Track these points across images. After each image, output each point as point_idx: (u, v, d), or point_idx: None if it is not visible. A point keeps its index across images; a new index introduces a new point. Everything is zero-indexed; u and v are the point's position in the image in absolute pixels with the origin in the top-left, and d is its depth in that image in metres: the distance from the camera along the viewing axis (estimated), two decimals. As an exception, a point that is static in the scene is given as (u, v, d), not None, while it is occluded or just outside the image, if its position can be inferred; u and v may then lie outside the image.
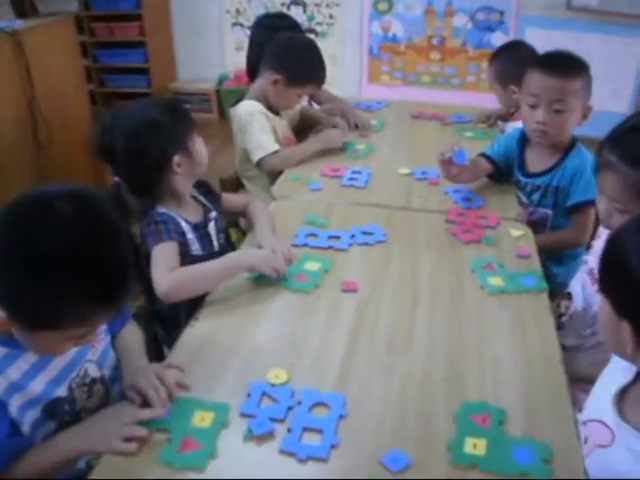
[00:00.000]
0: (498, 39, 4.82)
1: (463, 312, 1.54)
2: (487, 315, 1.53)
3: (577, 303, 1.80)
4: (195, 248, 1.69)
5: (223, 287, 1.59)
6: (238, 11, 5.40)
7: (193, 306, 1.55)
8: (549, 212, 2.14)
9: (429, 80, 5.15)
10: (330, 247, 1.80)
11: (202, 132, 1.75)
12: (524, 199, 2.18)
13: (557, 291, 1.89)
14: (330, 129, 2.53)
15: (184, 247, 1.65)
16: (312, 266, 1.69)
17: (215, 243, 1.77)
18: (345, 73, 5.25)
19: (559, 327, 1.64)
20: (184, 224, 1.67)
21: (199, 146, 1.70)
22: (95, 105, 5.45)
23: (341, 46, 5.22)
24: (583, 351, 1.73)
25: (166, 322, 1.78)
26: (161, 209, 1.66)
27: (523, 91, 2.08)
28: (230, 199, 1.94)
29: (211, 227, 1.76)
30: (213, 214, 1.78)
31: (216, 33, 5.52)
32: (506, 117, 2.91)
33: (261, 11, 5.24)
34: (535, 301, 1.59)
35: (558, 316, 1.81)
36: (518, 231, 1.92)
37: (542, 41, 4.71)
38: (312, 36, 5.20)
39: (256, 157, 2.32)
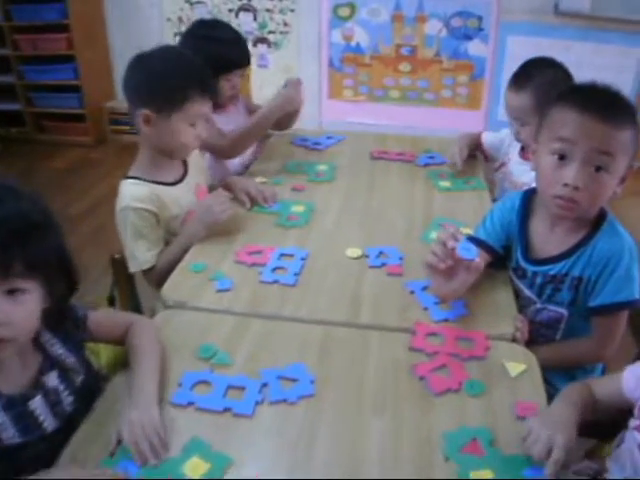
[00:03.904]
0: (476, 48, 4.24)
1: None
2: None
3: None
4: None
5: None
6: (180, 20, 4.75)
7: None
8: (564, 312, 1.52)
9: (398, 95, 4.52)
10: (227, 409, 1.14)
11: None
12: (527, 292, 1.54)
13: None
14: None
15: None
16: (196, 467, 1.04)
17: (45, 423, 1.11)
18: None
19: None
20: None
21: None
22: (24, 127, 4.78)
23: (297, 58, 4.57)
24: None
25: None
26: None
27: (542, 135, 1.45)
28: (103, 323, 1.28)
29: (37, 404, 1.10)
30: (51, 378, 1.13)
31: (157, 45, 4.84)
32: (486, 157, 2.29)
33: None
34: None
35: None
36: (517, 365, 1.28)
37: (526, 51, 4.09)
38: (264, 47, 4.57)
39: (131, 269, 1.74)
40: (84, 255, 3.22)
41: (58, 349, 1.16)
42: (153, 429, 1.07)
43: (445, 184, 2.08)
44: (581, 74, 2.00)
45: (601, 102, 1.37)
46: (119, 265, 1.78)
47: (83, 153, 4.63)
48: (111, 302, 1.91)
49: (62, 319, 1.16)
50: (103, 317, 1.30)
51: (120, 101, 4.95)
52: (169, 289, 1.49)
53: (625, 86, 4.01)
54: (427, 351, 1.30)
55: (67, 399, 1.14)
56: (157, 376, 1.19)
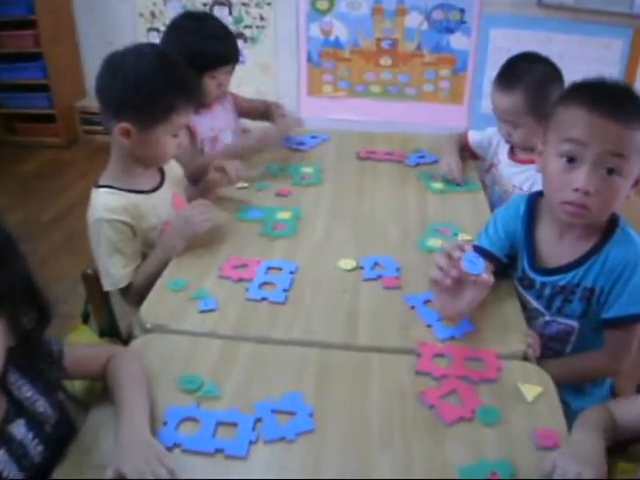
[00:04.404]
0: (458, 41, 4.12)
1: None
2: None
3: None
4: None
5: None
6: (153, 14, 4.58)
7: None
8: (574, 324, 1.42)
9: (379, 90, 4.40)
10: (218, 451, 1.02)
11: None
12: (535, 304, 1.44)
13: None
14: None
15: None
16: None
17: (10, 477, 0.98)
18: (280, 85, 4.46)
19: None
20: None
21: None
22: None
23: (274, 53, 4.42)
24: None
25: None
26: None
27: (548, 135, 1.34)
28: (80, 359, 1.15)
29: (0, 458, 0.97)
30: (17, 427, 0.99)
31: (130, 41, 4.58)
32: (474, 155, 2.18)
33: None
34: None
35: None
36: (533, 387, 1.18)
37: (509, 43, 4.03)
38: (240, 42, 4.42)
39: (105, 287, 1.59)
40: (57, 264, 3.08)
41: (26, 392, 1.02)
42: (158, 461, 0.95)
43: (438, 186, 1.97)
44: (565, 67, 1.92)
45: (612, 99, 1.26)
46: (92, 281, 1.64)
47: (54, 155, 4.45)
48: (85, 319, 1.78)
49: (33, 357, 1.02)
50: (80, 352, 1.17)
51: (92, 99, 4.75)
52: (147, 311, 1.36)
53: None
54: (434, 375, 1.19)
55: (36, 449, 1.01)
56: (147, 405, 1.07)
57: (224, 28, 2.08)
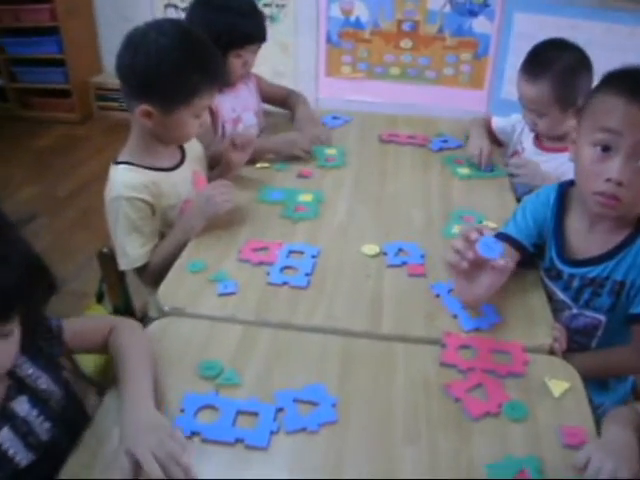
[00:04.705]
0: (481, 25, 4.04)
1: None
2: None
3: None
4: None
5: None
6: (171, -11, 4.52)
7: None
8: (602, 318, 1.38)
9: (398, 72, 4.33)
10: (238, 440, 0.99)
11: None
12: (561, 296, 1.40)
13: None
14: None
15: None
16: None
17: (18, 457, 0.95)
18: (299, 65, 4.41)
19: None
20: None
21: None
22: (6, 103, 4.55)
23: (294, 33, 4.36)
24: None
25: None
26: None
27: (582, 124, 1.29)
28: (80, 332, 1.13)
29: (4, 437, 0.94)
30: (20, 404, 0.97)
31: (147, 16, 4.51)
32: (497, 142, 2.13)
33: (198, -10, 4.37)
34: None
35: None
36: (560, 383, 1.14)
37: (533, 29, 3.94)
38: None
39: (121, 266, 1.56)
40: (71, 239, 3.07)
41: (27, 369, 0.99)
42: (173, 441, 0.92)
43: (464, 171, 1.92)
44: (590, 54, 1.85)
45: None
46: (108, 260, 1.61)
47: (69, 130, 4.42)
48: (99, 299, 1.76)
49: (32, 334, 0.99)
50: (80, 325, 1.15)
51: (107, 76, 4.72)
52: (165, 293, 1.33)
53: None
54: (460, 367, 1.16)
55: (42, 426, 0.98)
56: (151, 379, 1.04)
57: (252, 5, 2.00)
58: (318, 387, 1.09)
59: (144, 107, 1.45)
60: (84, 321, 1.26)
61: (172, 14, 4.59)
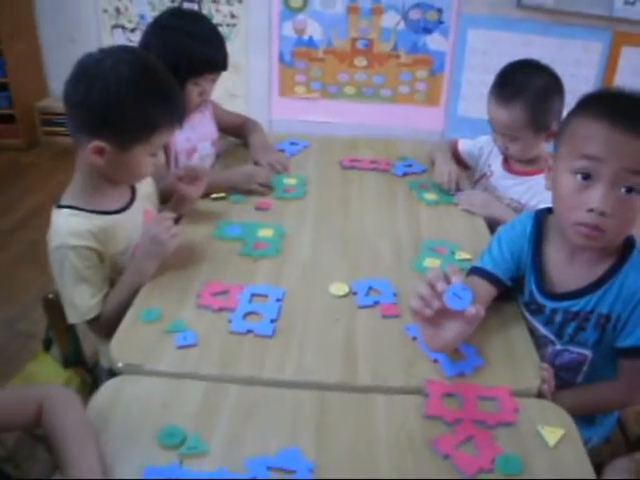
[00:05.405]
0: (436, 42, 4.02)
1: None
2: None
3: None
4: None
5: None
6: (118, 10, 4.39)
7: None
8: (587, 353, 1.31)
9: (353, 91, 4.27)
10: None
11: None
12: (544, 331, 1.33)
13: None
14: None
15: None
16: None
17: None
18: (251, 85, 4.32)
19: None
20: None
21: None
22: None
23: (245, 52, 4.27)
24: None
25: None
26: None
27: (561, 150, 1.22)
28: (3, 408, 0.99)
29: None
30: None
31: (93, 38, 4.45)
32: (462, 165, 2.07)
33: (145, 11, 4.26)
34: None
35: None
36: (554, 430, 1.06)
37: (487, 45, 3.95)
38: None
39: (70, 320, 1.43)
40: (17, 276, 2.89)
41: None
42: None
43: (431, 197, 1.84)
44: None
45: (632, 113, 1.15)
46: (54, 306, 1.48)
47: (13, 157, 4.23)
48: (47, 347, 1.62)
49: None
50: (1, 402, 1.01)
51: (53, 99, 4.54)
52: (118, 347, 1.19)
53: (588, 81, 3.86)
54: (446, 419, 1.06)
55: None
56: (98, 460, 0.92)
57: (214, 31, 1.88)
58: (293, 451, 0.98)
59: (97, 143, 1.32)
60: (6, 396, 1.08)
61: (119, 35, 4.46)
